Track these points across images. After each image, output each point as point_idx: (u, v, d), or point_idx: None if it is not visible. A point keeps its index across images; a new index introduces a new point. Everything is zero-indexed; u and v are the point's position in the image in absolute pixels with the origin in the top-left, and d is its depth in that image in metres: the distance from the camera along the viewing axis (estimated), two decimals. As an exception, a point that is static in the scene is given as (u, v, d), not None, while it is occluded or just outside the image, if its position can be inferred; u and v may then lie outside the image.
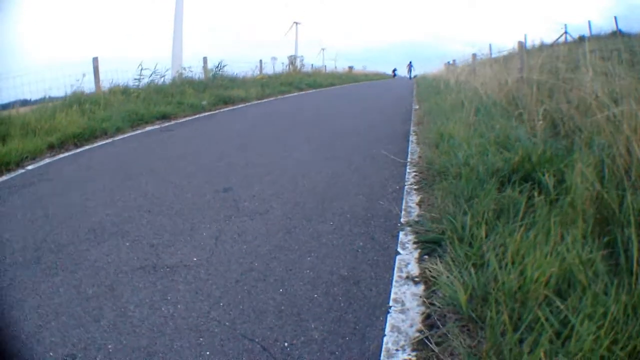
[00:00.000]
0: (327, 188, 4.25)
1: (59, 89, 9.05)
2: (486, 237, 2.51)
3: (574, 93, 4.75)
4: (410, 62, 42.00)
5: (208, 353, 1.91)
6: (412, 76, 39.46)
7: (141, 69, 11.49)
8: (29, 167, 5.36)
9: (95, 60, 10.14)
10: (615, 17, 7.76)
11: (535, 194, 2.88)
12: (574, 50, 7.09)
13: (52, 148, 6.24)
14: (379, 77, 42.37)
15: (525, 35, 8.17)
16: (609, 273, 1.96)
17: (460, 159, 3.96)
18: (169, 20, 16.52)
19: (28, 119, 6.97)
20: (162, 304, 2.29)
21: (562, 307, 1.74)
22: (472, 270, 2.20)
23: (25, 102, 8.58)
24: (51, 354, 1.92)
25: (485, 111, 6.03)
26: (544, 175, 3.08)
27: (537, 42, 8.07)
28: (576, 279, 1.92)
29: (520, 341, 1.67)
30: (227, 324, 2.12)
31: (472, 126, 5.49)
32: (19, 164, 5.40)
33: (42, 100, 8.35)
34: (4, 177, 5.00)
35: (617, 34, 7.49)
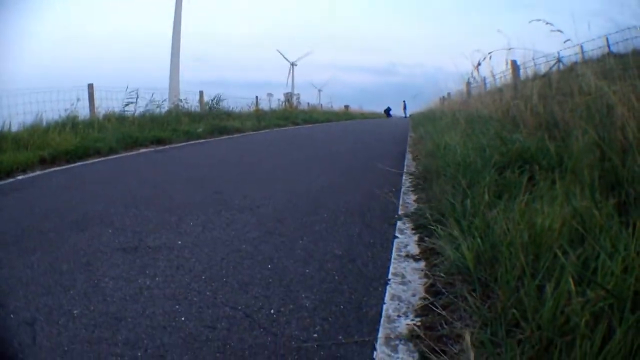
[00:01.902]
0: (321, 191, 4.09)
1: (53, 111, 8.92)
2: (489, 209, 2.35)
3: (568, 98, 4.71)
4: (404, 102, 43.13)
5: (183, 319, 1.71)
6: (408, 115, 40.18)
7: (137, 95, 11.39)
8: (19, 177, 5.23)
9: (90, 86, 10.11)
10: (607, 38, 7.78)
11: (537, 169, 2.75)
12: (568, 75, 7.11)
13: (44, 162, 6.10)
14: (375, 115, 42.78)
15: (516, 61, 8.16)
16: (622, 224, 1.80)
17: (458, 156, 3.84)
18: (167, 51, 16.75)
19: (20, 134, 6.92)
20: (139, 277, 2.10)
21: (585, 247, 1.58)
22: (478, 236, 2.03)
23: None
24: (12, 316, 1.75)
25: (481, 123, 5.96)
26: (543, 157, 2.96)
27: (529, 68, 8.04)
28: (590, 225, 1.77)
29: (540, 289, 1.49)
30: (207, 293, 1.93)
31: (469, 136, 5.40)
32: (10, 174, 5.28)
33: (35, 121, 8.22)
34: (-7, 184, 4.86)
35: (609, 54, 7.53)
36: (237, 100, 17.83)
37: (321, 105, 35.32)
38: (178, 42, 16.30)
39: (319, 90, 52.81)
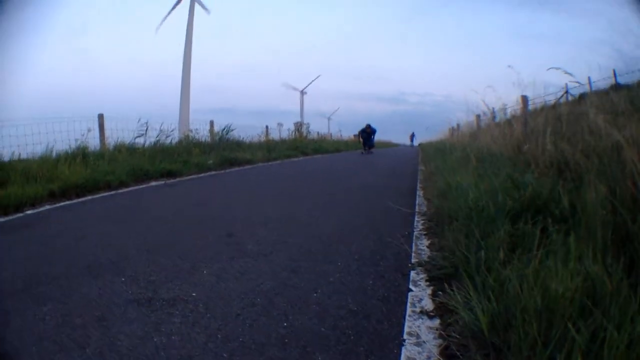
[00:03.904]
0: (334, 234, 4.09)
1: (63, 141, 9.00)
2: (503, 266, 2.35)
3: (578, 139, 4.73)
4: (413, 132, 45.11)
5: (202, 383, 1.71)
6: (416, 144, 41.79)
7: (147, 126, 11.52)
8: (28, 212, 5.27)
9: (100, 117, 10.24)
10: (614, 71, 7.88)
11: (549, 222, 2.76)
12: (576, 107, 7.17)
13: (53, 196, 6.16)
14: (386, 145, 43.18)
15: (527, 97, 8.33)
16: (631, 287, 1.85)
17: (470, 200, 3.83)
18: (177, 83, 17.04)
19: (29, 166, 6.96)
20: (154, 334, 2.10)
21: (594, 317, 1.60)
22: (492, 297, 2.03)
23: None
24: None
25: (492, 161, 5.97)
26: (556, 207, 2.98)
27: (539, 104, 8.15)
28: (601, 292, 1.82)
29: (551, 359, 1.50)
30: (224, 355, 1.92)
31: (480, 176, 5.40)
32: (18, 209, 5.32)
33: (45, 153, 8.31)
34: (1, 219, 4.90)
35: (617, 87, 7.63)
36: (247, 129, 18.03)
37: (330, 134, 35.54)
38: (188, 74, 16.64)
39: (328, 119, 53.23)
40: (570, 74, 4.10)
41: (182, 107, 16.87)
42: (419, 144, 38.80)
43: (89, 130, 9.86)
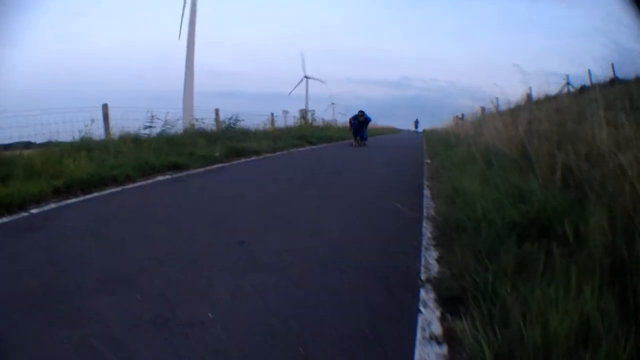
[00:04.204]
0: (342, 242, 4.20)
1: (66, 132, 8.89)
2: (508, 293, 2.45)
3: (582, 144, 4.77)
4: (417, 119, 46.23)
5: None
6: (420, 131, 43.03)
7: (152, 117, 11.40)
8: (33, 211, 5.21)
9: (105, 106, 10.08)
10: (613, 65, 7.89)
11: (554, 246, 2.85)
12: (577, 100, 7.21)
13: (58, 193, 6.04)
14: (390, 130, 43.34)
15: (530, 88, 8.39)
16: (622, 321, 2.01)
17: (478, 212, 3.90)
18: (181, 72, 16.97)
19: (32, 160, 6.80)
20: (175, 363, 2.18)
21: None
22: (497, 329, 2.14)
23: (28, 145, 8.42)
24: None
25: (498, 164, 6.02)
26: (561, 227, 3.06)
27: (541, 95, 8.18)
28: (594, 330, 1.97)
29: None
30: (244, 386, 2.01)
31: (486, 180, 5.46)
32: (22, 207, 5.23)
33: (48, 144, 8.14)
34: (4, 219, 4.88)
35: (615, 80, 7.66)
36: (252, 117, 17.90)
37: (335, 120, 35.41)
38: (192, 61, 16.59)
39: (332, 104, 52.74)
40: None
41: (185, 95, 16.84)
42: (423, 131, 39.24)
43: (92, 121, 9.64)
